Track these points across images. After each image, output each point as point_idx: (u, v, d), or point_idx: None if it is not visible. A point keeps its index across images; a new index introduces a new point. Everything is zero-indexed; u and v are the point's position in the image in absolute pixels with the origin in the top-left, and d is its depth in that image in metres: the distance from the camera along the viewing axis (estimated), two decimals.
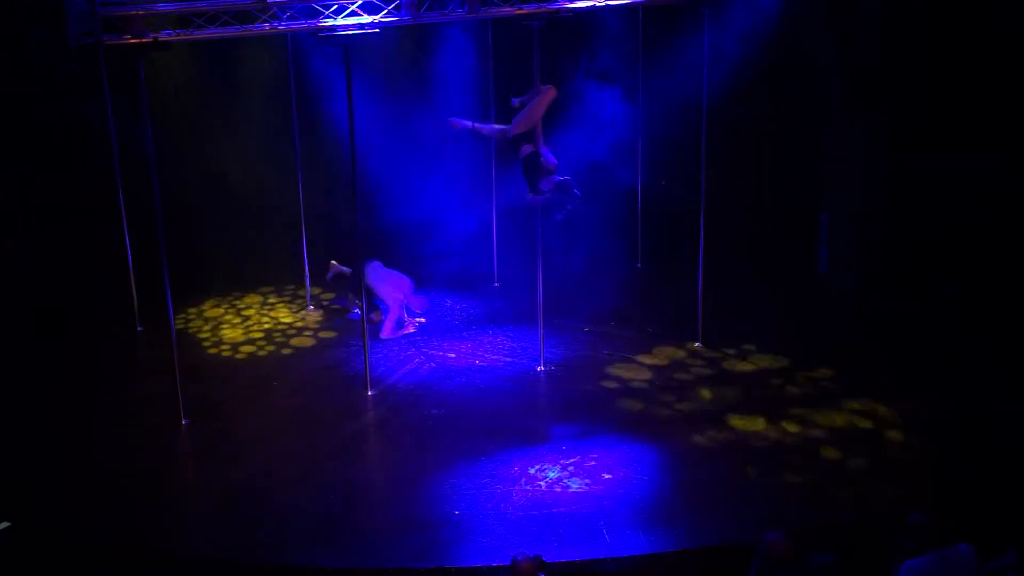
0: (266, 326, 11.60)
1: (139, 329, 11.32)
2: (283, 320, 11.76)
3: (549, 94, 9.72)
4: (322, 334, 11.33)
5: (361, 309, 9.99)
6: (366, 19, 9.19)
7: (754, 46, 12.20)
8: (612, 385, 9.96)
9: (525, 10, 9.49)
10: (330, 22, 9.10)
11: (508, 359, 10.60)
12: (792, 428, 9.00)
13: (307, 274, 11.97)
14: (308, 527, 7.78)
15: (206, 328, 11.55)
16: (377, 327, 11.16)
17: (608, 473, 8.40)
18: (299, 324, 11.62)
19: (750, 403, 9.49)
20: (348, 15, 9.18)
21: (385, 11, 9.24)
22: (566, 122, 11.99)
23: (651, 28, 12.34)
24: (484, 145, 12.36)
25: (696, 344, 10.66)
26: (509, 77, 11.71)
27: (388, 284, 11.22)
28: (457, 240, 13.06)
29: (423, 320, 11.54)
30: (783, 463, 8.47)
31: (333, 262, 11.77)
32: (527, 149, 9.82)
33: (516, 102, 10.06)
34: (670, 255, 12.77)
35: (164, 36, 8.75)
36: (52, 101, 11.61)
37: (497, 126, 10.23)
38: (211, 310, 12.04)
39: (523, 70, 10.16)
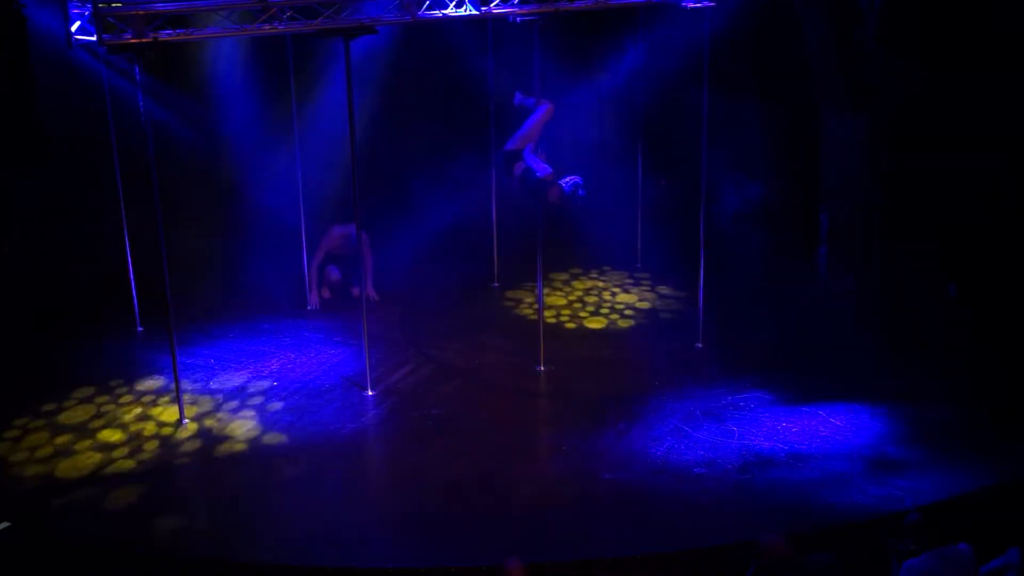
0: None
1: (139, 329, 11.34)
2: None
3: (548, 112, 9.71)
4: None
5: (362, 293, 10.16)
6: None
7: (754, 45, 12.23)
8: (612, 385, 9.96)
9: (525, 10, 9.49)
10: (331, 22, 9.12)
11: (508, 359, 10.60)
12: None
13: (307, 279, 12.00)
14: (308, 527, 7.78)
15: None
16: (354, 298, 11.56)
17: (608, 473, 8.41)
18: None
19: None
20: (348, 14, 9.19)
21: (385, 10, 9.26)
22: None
23: (651, 27, 12.38)
24: (481, 145, 12.38)
25: (697, 344, 10.69)
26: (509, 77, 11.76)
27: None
28: (456, 240, 13.08)
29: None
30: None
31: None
32: (520, 167, 9.83)
33: (519, 99, 10.00)
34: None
35: (164, 36, 8.76)
36: (52, 101, 11.60)
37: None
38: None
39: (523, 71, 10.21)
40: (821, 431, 8.96)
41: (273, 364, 10.60)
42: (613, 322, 11.51)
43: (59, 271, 11.80)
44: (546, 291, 11.87)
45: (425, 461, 8.72)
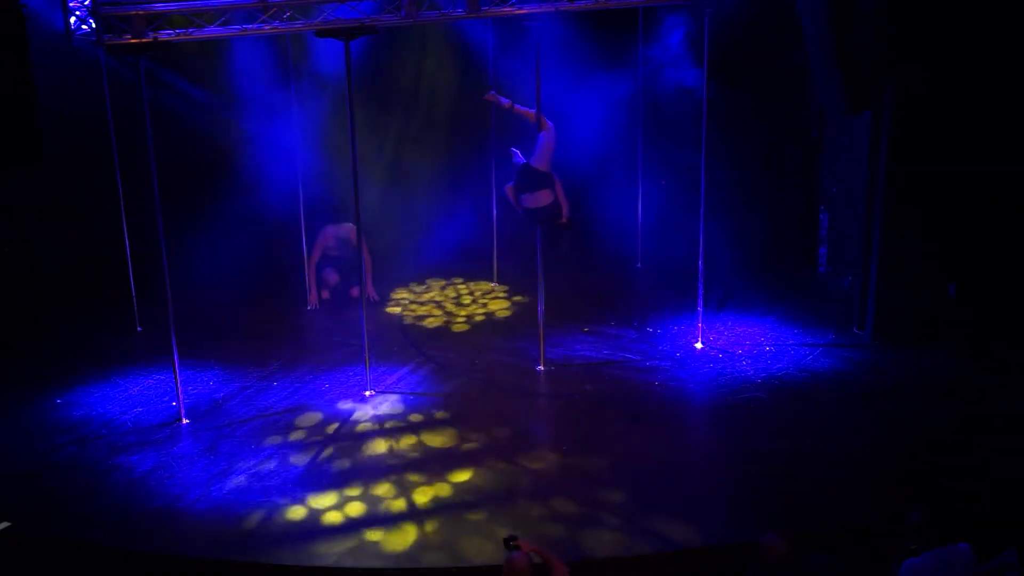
0: None
1: (139, 329, 11.34)
2: None
3: (551, 134, 9.84)
4: None
5: (362, 293, 10.15)
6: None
7: (754, 45, 12.23)
8: (611, 385, 9.97)
9: (524, 10, 9.48)
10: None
11: (508, 359, 10.60)
12: None
13: (306, 279, 12.04)
14: (308, 527, 7.78)
15: None
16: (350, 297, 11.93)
17: (609, 473, 8.40)
18: None
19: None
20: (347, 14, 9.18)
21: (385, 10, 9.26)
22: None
23: (650, 25, 12.38)
24: (481, 144, 12.40)
25: (698, 344, 10.69)
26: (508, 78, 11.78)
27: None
28: (456, 239, 13.10)
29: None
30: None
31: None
32: (548, 197, 10.11)
33: (518, 157, 10.23)
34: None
35: (164, 36, 8.76)
36: (52, 100, 11.58)
37: (532, 110, 10.11)
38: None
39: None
40: (823, 432, 8.97)
41: (273, 364, 10.61)
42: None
43: (59, 271, 11.81)
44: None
45: (424, 461, 8.72)
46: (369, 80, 12.99)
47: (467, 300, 12.41)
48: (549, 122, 10.13)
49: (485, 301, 12.32)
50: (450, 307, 12.19)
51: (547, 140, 10.11)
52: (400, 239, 13.33)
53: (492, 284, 12.61)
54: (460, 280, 12.93)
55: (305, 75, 12.35)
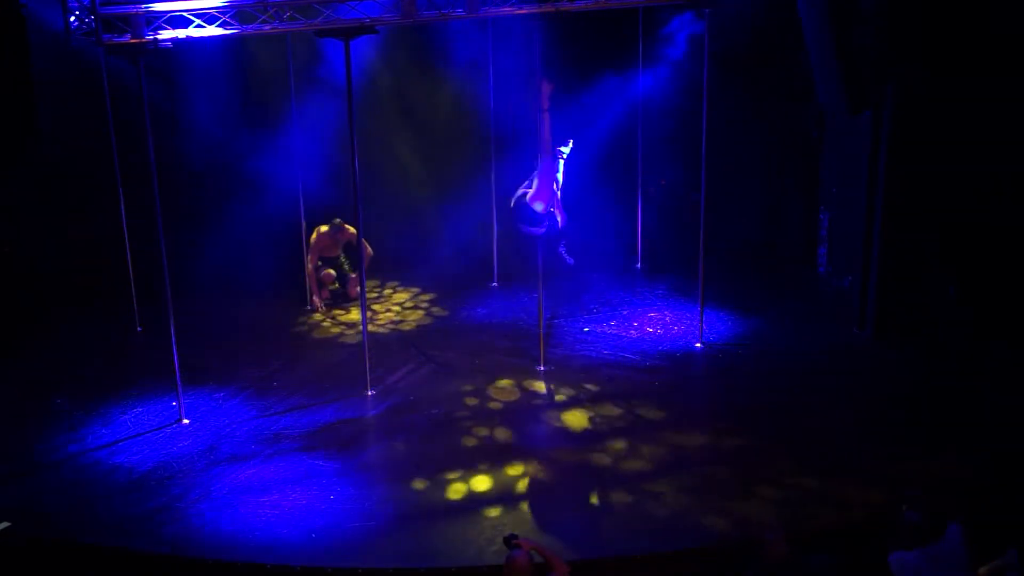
0: None
1: (139, 329, 11.34)
2: None
3: (553, 165, 9.78)
4: None
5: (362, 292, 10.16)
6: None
7: (754, 45, 12.23)
8: (611, 385, 9.97)
9: (524, 10, 9.48)
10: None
11: (508, 359, 10.61)
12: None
13: (307, 281, 12.05)
14: (308, 527, 7.79)
15: None
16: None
17: (609, 473, 8.40)
18: None
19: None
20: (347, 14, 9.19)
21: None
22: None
23: (649, 26, 12.38)
24: (481, 145, 12.40)
25: (698, 344, 10.70)
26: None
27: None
28: (456, 240, 13.11)
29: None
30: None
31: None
32: (543, 227, 10.07)
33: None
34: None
35: (164, 36, 8.76)
36: (52, 100, 11.60)
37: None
38: None
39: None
40: (822, 432, 8.97)
41: (273, 364, 10.61)
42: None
43: (59, 271, 11.80)
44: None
45: (425, 461, 8.72)
46: (376, 84, 13.00)
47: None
48: (551, 133, 9.86)
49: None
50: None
51: (548, 173, 9.81)
52: (397, 240, 13.30)
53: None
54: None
55: (314, 78, 12.33)
